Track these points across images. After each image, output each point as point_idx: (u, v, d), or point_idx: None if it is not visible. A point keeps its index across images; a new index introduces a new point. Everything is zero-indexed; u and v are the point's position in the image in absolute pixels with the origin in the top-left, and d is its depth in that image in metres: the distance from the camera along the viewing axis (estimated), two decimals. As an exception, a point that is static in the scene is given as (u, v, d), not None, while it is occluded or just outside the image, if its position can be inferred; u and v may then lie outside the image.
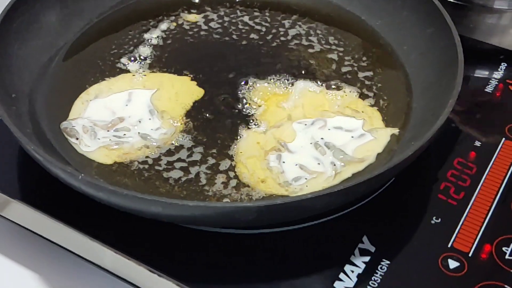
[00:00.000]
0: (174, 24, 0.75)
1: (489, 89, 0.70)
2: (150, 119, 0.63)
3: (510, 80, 0.71)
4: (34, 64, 0.66)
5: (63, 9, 0.71)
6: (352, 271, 0.54)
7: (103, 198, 0.51)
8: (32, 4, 0.68)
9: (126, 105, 0.65)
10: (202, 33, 0.74)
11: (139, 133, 0.61)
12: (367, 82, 0.68)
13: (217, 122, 0.64)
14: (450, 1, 0.73)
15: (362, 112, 0.64)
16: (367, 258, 0.54)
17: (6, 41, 0.64)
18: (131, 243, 0.55)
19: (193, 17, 0.76)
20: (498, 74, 0.72)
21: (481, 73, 0.73)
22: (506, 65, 0.73)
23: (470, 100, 0.69)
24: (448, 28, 0.65)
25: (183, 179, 0.58)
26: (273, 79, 0.68)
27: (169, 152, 0.60)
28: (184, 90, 0.67)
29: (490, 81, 0.71)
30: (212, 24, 0.76)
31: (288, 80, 0.68)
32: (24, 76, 0.64)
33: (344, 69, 0.69)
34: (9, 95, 0.61)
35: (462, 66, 0.61)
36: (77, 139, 0.61)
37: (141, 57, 0.71)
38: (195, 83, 0.68)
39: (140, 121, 0.63)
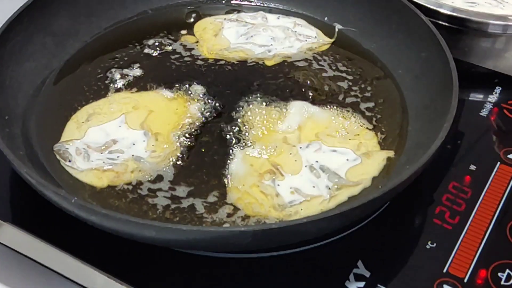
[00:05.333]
0: (170, 44, 0.75)
1: (484, 113, 0.70)
2: (144, 141, 0.63)
3: (505, 104, 0.71)
4: (27, 86, 0.66)
5: (58, 31, 0.71)
6: (347, 297, 0.53)
7: (95, 222, 0.51)
8: (26, 26, 0.67)
9: (120, 126, 0.64)
10: (197, 54, 0.74)
11: (133, 155, 0.61)
12: (368, 114, 0.67)
13: (211, 143, 0.63)
14: (444, 25, 0.74)
15: (358, 135, 0.64)
16: (362, 284, 0.54)
17: (0, 63, 0.63)
18: (124, 267, 0.54)
19: (190, 37, 0.76)
20: (493, 98, 0.72)
21: (476, 96, 0.73)
22: (501, 89, 0.73)
23: (465, 124, 0.68)
24: (443, 52, 0.65)
25: (177, 205, 0.58)
26: (269, 100, 0.67)
27: (162, 176, 0.60)
28: (178, 112, 0.66)
29: (485, 104, 0.71)
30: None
31: (284, 102, 0.67)
32: (18, 98, 0.64)
33: (348, 100, 0.69)
34: (2, 117, 0.60)
35: (457, 90, 0.61)
36: (70, 161, 0.60)
37: (134, 77, 0.70)
38: (190, 104, 0.67)
39: (134, 143, 0.62)
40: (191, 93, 0.68)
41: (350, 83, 0.71)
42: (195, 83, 0.70)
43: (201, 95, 0.68)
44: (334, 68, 0.73)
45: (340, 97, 0.69)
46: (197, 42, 0.76)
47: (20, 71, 0.66)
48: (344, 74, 0.72)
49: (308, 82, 0.71)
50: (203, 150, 0.63)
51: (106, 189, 0.59)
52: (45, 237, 0.56)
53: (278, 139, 0.63)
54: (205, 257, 0.55)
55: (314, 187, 0.59)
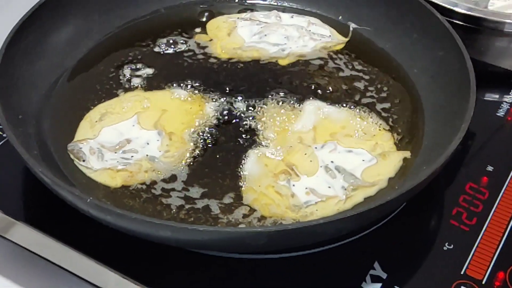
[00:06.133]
0: (184, 42, 0.74)
1: (500, 113, 0.70)
2: (158, 140, 0.62)
3: (522, 104, 0.71)
4: (41, 85, 0.66)
5: (71, 30, 0.71)
6: (364, 298, 0.53)
7: (110, 222, 0.50)
8: (39, 25, 0.67)
9: (133, 125, 0.64)
10: (210, 52, 0.74)
11: (147, 155, 0.61)
12: (384, 114, 0.66)
13: (225, 143, 0.63)
14: (460, 24, 0.73)
15: (374, 135, 0.64)
16: (378, 285, 0.54)
17: (14, 62, 0.63)
18: (136, 266, 0.54)
19: (203, 36, 0.76)
20: (509, 98, 0.71)
21: (492, 96, 0.72)
22: (517, 88, 0.73)
23: (481, 124, 0.68)
24: (459, 51, 0.64)
25: (192, 206, 0.57)
26: (283, 100, 0.67)
27: (176, 176, 0.59)
28: (192, 111, 0.66)
29: (502, 105, 0.71)
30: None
31: (299, 102, 0.67)
32: (31, 97, 0.64)
33: (364, 100, 0.68)
34: (16, 116, 0.60)
35: (475, 90, 0.60)
36: (83, 161, 0.60)
37: (147, 76, 0.70)
38: (204, 103, 0.67)
39: (148, 143, 0.62)
40: (206, 92, 0.68)
41: (367, 83, 0.70)
42: (210, 82, 0.69)
43: (216, 94, 0.68)
44: (350, 67, 0.72)
45: (356, 97, 0.68)
46: (211, 40, 0.75)
47: (33, 70, 0.66)
48: (360, 74, 0.71)
49: (323, 81, 0.70)
50: (217, 150, 0.62)
51: (120, 189, 0.58)
52: (57, 236, 0.56)
53: (293, 139, 0.63)
54: (219, 258, 0.55)
55: (329, 187, 0.59)
